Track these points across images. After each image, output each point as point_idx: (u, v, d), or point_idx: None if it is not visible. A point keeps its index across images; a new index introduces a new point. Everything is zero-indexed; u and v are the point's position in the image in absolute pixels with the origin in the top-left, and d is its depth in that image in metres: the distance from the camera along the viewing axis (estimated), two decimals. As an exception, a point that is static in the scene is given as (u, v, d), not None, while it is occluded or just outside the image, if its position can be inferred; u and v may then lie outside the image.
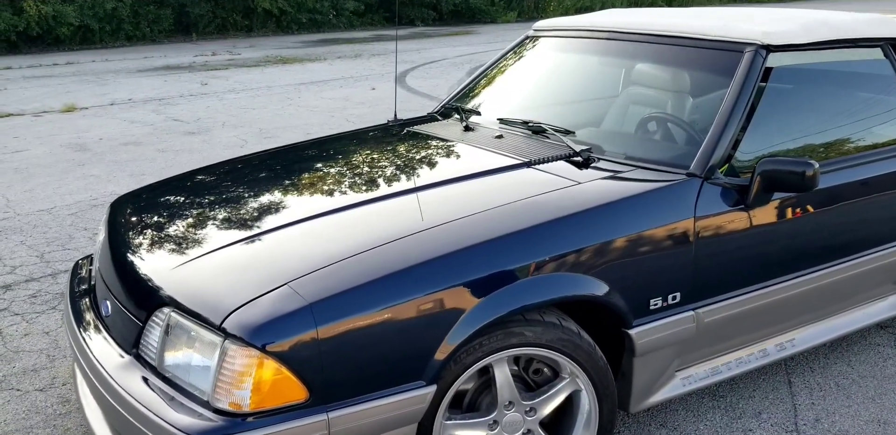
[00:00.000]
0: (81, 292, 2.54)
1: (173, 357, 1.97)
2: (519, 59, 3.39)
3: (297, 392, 1.84)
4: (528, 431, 2.21)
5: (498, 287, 2.03)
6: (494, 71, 3.41)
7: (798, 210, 2.55)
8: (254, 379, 1.80)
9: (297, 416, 1.83)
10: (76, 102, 9.61)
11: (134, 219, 2.56)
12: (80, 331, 2.31)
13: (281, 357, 1.81)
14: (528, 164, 2.52)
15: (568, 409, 2.29)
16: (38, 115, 8.88)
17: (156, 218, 2.52)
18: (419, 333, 1.94)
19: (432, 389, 1.97)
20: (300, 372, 1.83)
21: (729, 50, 2.62)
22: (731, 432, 2.67)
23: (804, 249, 2.62)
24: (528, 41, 3.41)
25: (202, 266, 2.11)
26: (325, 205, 2.37)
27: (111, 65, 13.96)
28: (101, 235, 2.61)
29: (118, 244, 2.42)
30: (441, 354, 1.97)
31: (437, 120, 3.25)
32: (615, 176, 2.42)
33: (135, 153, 6.86)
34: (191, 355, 1.93)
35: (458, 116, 3.13)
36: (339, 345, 1.85)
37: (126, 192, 2.96)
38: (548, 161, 2.53)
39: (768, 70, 2.61)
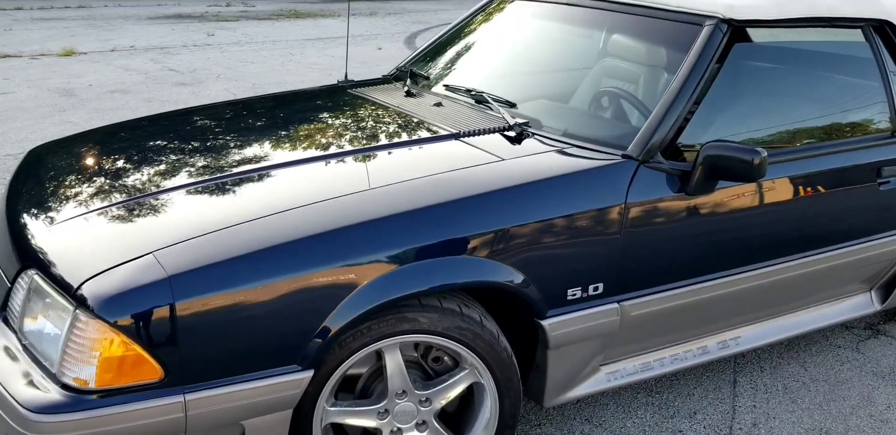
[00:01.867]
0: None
1: (31, 323, 1.83)
2: (482, 22, 3.17)
3: (150, 371, 1.69)
4: (423, 422, 2.06)
5: (389, 269, 1.86)
6: (456, 34, 3.20)
7: (745, 201, 2.35)
8: (101, 354, 1.66)
9: (149, 396, 1.69)
10: (77, 47, 9.47)
11: (40, 171, 2.41)
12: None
13: (132, 332, 1.66)
14: (455, 136, 2.33)
15: (472, 401, 2.14)
16: (35, 58, 8.75)
17: (59, 172, 2.37)
18: (295, 314, 1.79)
19: (308, 374, 1.82)
20: (154, 349, 1.68)
21: (688, 22, 2.40)
22: (659, 432, 2.52)
23: (750, 244, 2.42)
24: (493, 3, 3.19)
25: (76, 227, 1.96)
26: (222, 170, 2.20)
27: (122, 10, 13.77)
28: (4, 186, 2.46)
29: (13, 197, 2.27)
30: (320, 338, 1.81)
31: (388, 83, 3.06)
32: (543, 153, 2.22)
33: (120, 101, 6.71)
34: (45, 323, 1.79)
35: (407, 80, 2.93)
36: (201, 323, 1.70)
37: (47, 142, 2.80)
38: (477, 134, 2.34)
39: (731, 46, 2.39)
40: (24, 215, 2.10)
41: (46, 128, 5.77)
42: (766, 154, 2.12)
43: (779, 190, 2.42)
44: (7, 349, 1.85)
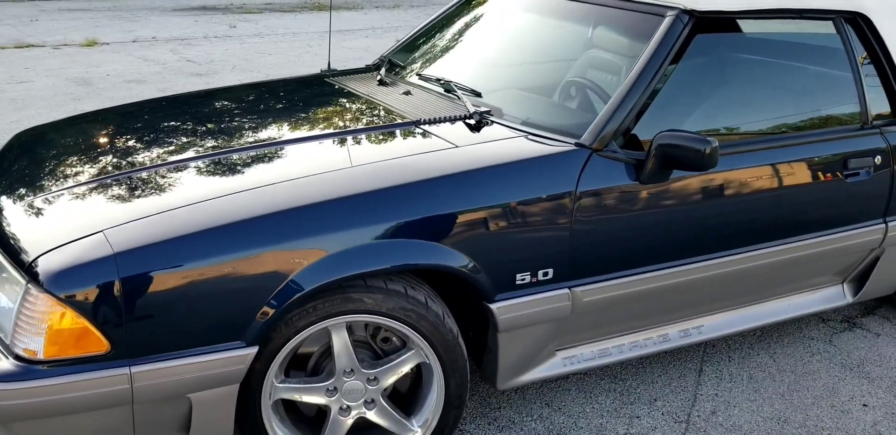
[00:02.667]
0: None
1: (-9, 297, 1.92)
2: (463, 13, 3.22)
3: (96, 343, 1.77)
4: (371, 400, 2.13)
5: (334, 250, 1.92)
6: (436, 25, 3.25)
7: (704, 191, 2.38)
8: (49, 326, 1.75)
9: (96, 368, 1.77)
10: (99, 37, 9.63)
11: (15, 153, 2.52)
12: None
13: (79, 306, 1.74)
14: (415, 124, 2.39)
15: (420, 380, 2.20)
16: (57, 48, 8.92)
17: (35, 154, 2.46)
18: (241, 292, 1.86)
19: (253, 350, 1.89)
20: (99, 323, 1.76)
21: (651, 13, 2.43)
22: (616, 418, 2.56)
23: (708, 234, 2.44)
24: (473, -6, 3.24)
25: (42, 206, 2.05)
26: (186, 153, 2.28)
27: (149, 2, 13.95)
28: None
29: (-8, 179, 2.37)
30: (264, 316, 1.88)
31: (369, 72, 3.12)
32: (497, 140, 2.27)
33: (135, 91, 6.84)
34: (1, 297, 1.88)
35: (383, 69, 2.99)
36: (146, 298, 1.78)
37: (33, 126, 2.91)
38: (437, 122, 2.39)
39: (692, 37, 2.41)
40: (-3, 196, 2.20)
41: (59, 116, 5.87)
42: (717, 144, 2.15)
43: (740, 180, 2.45)
44: (-31, 320, 1.94)
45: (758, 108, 2.62)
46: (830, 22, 2.67)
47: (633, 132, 2.33)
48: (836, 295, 2.97)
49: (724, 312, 2.73)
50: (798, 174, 2.58)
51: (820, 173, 2.63)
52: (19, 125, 5.59)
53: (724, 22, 2.51)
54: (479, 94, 2.57)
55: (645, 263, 2.36)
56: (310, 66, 8.27)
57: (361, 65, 3.22)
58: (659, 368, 2.85)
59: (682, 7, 2.38)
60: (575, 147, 2.23)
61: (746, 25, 2.59)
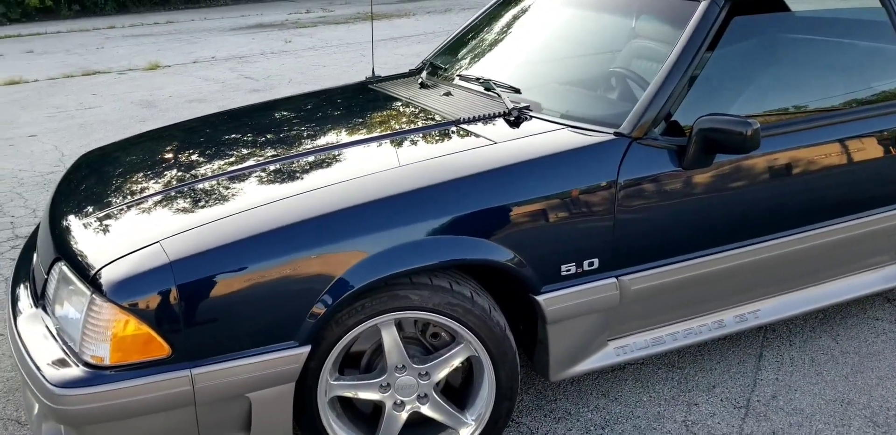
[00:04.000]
0: (33, 244, 2.66)
1: (60, 309, 2.04)
2: (502, 13, 3.26)
3: (158, 348, 1.87)
4: (424, 395, 2.18)
5: (378, 250, 1.98)
6: (476, 26, 3.30)
7: (744, 174, 2.36)
8: (114, 333, 1.85)
9: (159, 371, 1.87)
10: (161, 60, 9.97)
11: (83, 173, 2.65)
12: (13, 281, 2.43)
13: (140, 314, 1.84)
14: (455, 123, 2.44)
15: (472, 374, 2.24)
16: (123, 73, 9.27)
17: (100, 173, 2.59)
18: (291, 294, 1.93)
19: (305, 349, 1.96)
20: (160, 329, 1.85)
21: (688, -1, 2.42)
22: (674, 405, 2.56)
23: (755, 217, 2.42)
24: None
25: (103, 221, 2.16)
26: (240, 164, 2.37)
27: (208, 23, 14.36)
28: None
29: (58, 196, 2.51)
30: (314, 316, 1.95)
31: (411, 76, 3.18)
32: (536, 134, 2.30)
33: (196, 110, 7.06)
34: (69, 308, 1.99)
35: (424, 73, 3.05)
36: (202, 304, 1.87)
37: (97, 147, 3.06)
38: (477, 120, 2.44)
39: (729, 20, 2.40)
40: (63, 213, 2.33)
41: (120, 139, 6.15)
42: (758, 126, 2.14)
43: (786, 161, 2.42)
44: (44, 335, 2.06)
45: (801, 87, 2.58)
46: (874, -4, 2.62)
47: (673, 119, 2.33)
48: (897, 274, 2.89)
49: (780, 296, 2.69)
50: (848, 152, 2.54)
51: (872, 149, 2.58)
52: (87, 149, 5.84)
53: (761, 2, 2.49)
54: (518, 91, 2.61)
55: (692, 249, 2.36)
56: (363, 74, 8.36)
57: (374, 69, 3.29)
58: (717, 355, 2.83)
59: (716, -9, 2.37)
60: (614, 136, 2.25)
61: (784, 4, 2.56)
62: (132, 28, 13.83)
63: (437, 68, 3.11)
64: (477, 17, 3.34)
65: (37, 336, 2.05)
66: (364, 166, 2.22)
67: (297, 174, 2.26)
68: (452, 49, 3.26)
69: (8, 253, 3.90)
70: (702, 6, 2.39)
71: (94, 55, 10.80)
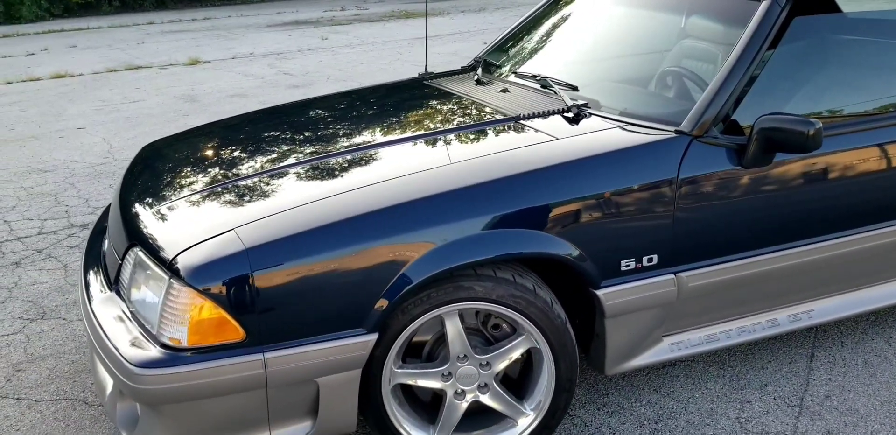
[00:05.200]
0: (101, 230, 2.74)
1: (136, 293, 2.10)
2: (553, 11, 3.29)
3: (233, 332, 1.92)
4: (485, 384, 2.22)
5: (445, 241, 2.03)
6: (529, 24, 3.33)
7: (803, 174, 2.38)
8: (191, 317, 1.91)
9: (234, 354, 1.93)
10: (201, 56, 10.11)
11: (148, 163, 2.72)
12: (84, 266, 2.50)
13: (216, 298, 1.90)
14: (515, 119, 2.48)
15: (532, 367, 2.28)
16: (164, 68, 9.41)
17: (164, 163, 2.66)
18: (360, 282, 1.98)
19: (373, 337, 2.01)
20: (235, 313, 1.91)
21: (748, -1, 2.44)
22: (727, 403, 2.57)
23: (813, 216, 2.44)
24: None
25: (176, 210, 2.23)
26: (303, 156, 2.43)
27: (245, 20, 14.52)
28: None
29: (126, 186, 2.58)
30: (382, 304, 2.00)
31: (464, 73, 3.23)
32: (596, 131, 2.33)
33: (238, 105, 7.17)
34: (146, 292, 2.05)
35: (479, 70, 3.09)
36: (275, 290, 1.92)
37: (160, 138, 3.13)
38: (536, 117, 2.47)
39: (790, 20, 2.42)
40: (133, 201, 2.40)
41: (171, 131, 6.19)
42: (820, 125, 2.15)
43: (846, 162, 2.43)
44: (119, 317, 2.13)
45: (862, 88, 2.59)
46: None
47: (733, 118, 2.35)
48: (953, 277, 2.88)
49: (834, 296, 2.69)
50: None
51: (929, 152, 2.58)
52: (135, 141, 5.95)
53: (823, 2, 2.50)
54: (575, 88, 2.64)
55: (749, 247, 2.38)
56: (401, 72, 8.47)
57: (452, 69, 3.33)
58: (768, 355, 2.85)
59: (778, -9, 2.39)
60: (675, 134, 2.27)
61: (846, 4, 2.56)
62: (171, 24, 14.01)
63: (490, 65, 3.15)
64: (529, 16, 3.37)
65: (113, 319, 2.12)
66: (430, 160, 2.27)
67: (362, 167, 2.30)
68: (505, 47, 3.30)
69: (65, 241, 4.00)
70: (763, 5, 2.40)
71: (136, 50, 10.96)
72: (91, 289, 2.32)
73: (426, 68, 3.33)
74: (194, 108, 7.07)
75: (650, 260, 2.25)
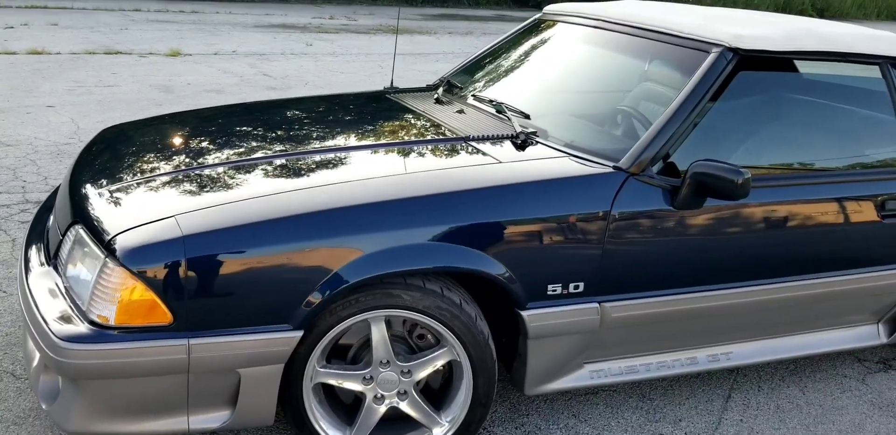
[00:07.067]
0: (50, 208, 2.76)
1: (72, 269, 2.14)
2: (520, 41, 3.40)
3: (161, 315, 1.97)
4: (404, 392, 2.27)
5: (378, 249, 2.09)
6: (495, 51, 3.44)
7: (736, 221, 2.48)
8: (122, 297, 1.95)
9: (159, 337, 1.97)
10: (183, 48, 10.10)
11: (103, 146, 2.76)
12: (27, 241, 2.52)
13: (149, 281, 1.94)
14: (465, 139, 2.56)
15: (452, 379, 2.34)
16: (143, 56, 9.39)
17: (118, 148, 2.70)
18: (291, 280, 2.03)
19: (298, 334, 2.06)
20: (165, 297, 1.95)
21: (696, 49, 2.56)
22: (640, 433, 2.65)
23: (737, 262, 2.54)
24: (531, 25, 3.41)
25: (125, 192, 2.27)
26: (253, 154, 2.49)
27: (232, 17, 14.52)
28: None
29: (80, 164, 2.62)
30: (310, 304, 2.05)
31: (428, 91, 3.32)
32: (539, 159, 2.42)
33: (213, 100, 7.18)
34: (81, 269, 2.09)
35: (441, 89, 3.19)
36: (207, 279, 1.97)
37: (120, 123, 3.17)
38: (485, 139, 2.56)
39: (735, 74, 2.54)
40: (84, 180, 2.43)
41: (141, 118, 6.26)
42: (749, 175, 2.26)
43: (774, 213, 2.54)
44: (52, 291, 2.16)
45: (797, 145, 2.72)
46: (877, 67, 2.77)
47: (671, 160, 2.45)
48: (870, 334, 3.01)
49: (754, 341, 2.80)
50: (833, 212, 2.65)
51: (856, 213, 2.70)
52: (104, 125, 5.92)
53: (769, 61, 2.63)
54: (527, 117, 2.73)
55: (674, 285, 2.47)
56: (379, 85, 8.50)
57: (393, 80, 3.44)
58: (687, 391, 2.94)
59: (727, 45, 2.51)
60: (613, 170, 2.37)
61: (791, 65, 2.70)
62: (157, 13, 13.98)
63: (453, 86, 3.24)
64: (498, 42, 3.48)
65: (46, 292, 2.15)
66: (372, 169, 2.34)
67: (309, 170, 2.37)
68: (470, 70, 3.39)
69: (17, 216, 3.99)
70: (710, 57, 2.52)
71: (118, 35, 10.92)
72: (31, 263, 2.34)
73: (392, 82, 3.42)
74: (168, 99, 7.07)
75: (576, 287, 2.33)
